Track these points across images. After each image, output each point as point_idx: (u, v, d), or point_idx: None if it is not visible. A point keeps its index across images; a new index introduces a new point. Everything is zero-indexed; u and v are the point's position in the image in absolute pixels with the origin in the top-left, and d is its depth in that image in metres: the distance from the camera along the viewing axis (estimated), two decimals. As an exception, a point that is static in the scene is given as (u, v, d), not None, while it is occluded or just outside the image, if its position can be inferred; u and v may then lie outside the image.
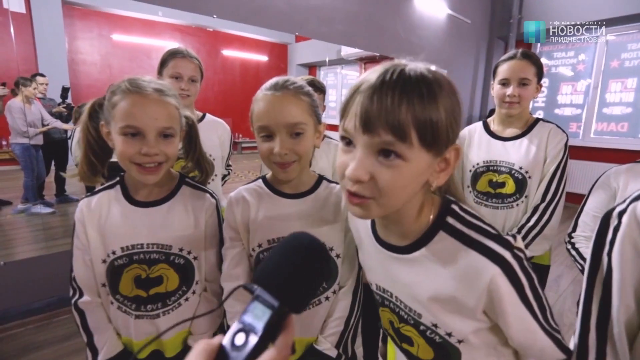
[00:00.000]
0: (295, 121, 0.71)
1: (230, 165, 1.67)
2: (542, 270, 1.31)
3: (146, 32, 5.99)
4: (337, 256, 0.81)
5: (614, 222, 0.53)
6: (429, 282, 0.53)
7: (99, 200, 0.81)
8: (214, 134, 1.48)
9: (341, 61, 6.80)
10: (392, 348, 0.75)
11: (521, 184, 1.23)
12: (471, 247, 0.50)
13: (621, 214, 0.52)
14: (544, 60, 4.68)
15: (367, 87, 0.44)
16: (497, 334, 0.56)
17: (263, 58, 7.62)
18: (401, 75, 0.44)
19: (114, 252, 0.78)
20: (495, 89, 1.28)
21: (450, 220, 0.52)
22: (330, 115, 7.92)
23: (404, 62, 0.46)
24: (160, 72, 1.35)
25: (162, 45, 5.99)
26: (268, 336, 0.33)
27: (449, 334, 0.55)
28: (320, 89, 1.39)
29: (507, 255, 0.48)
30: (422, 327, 0.57)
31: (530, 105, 4.44)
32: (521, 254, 0.49)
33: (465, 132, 1.40)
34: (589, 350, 0.53)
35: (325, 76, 7.87)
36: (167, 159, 0.76)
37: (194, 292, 0.85)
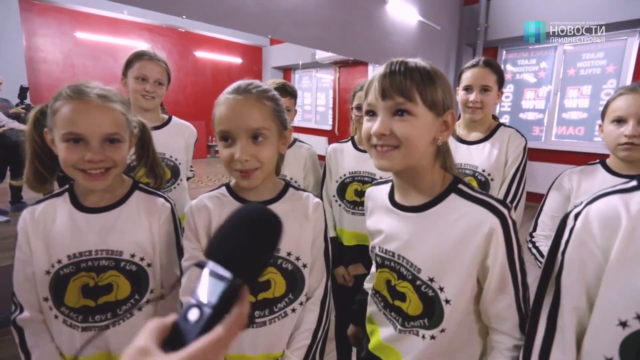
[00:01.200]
0: (256, 126, 0.69)
1: (192, 168, 1.63)
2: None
3: (112, 31, 5.75)
4: (304, 266, 0.79)
5: (570, 223, 0.55)
6: (437, 235, 0.64)
7: (44, 208, 0.77)
8: (181, 137, 1.43)
9: (316, 64, 6.83)
10: (374, 327, 0.81)
11: (484, 186, 1.28)
12: (476, 203, 0.63)
13: (577, 216, 0.55)
14: (509, 67, 4.91)
15: (380, 74, 0.62)
16: (477, 304, 0.66)
17: (237, 60, 7.52)
18: (404, 64, 0.61)
19: (59, 261, 0.74)
20: (460, 94, 1.32)
21: (461, 186, 0.66)
22: (305, 119, 7.93)
23: (400, 58, 0.63)
24: (125, 74, 1.32)
25: (129, 45, 5.77)
26: (223, 308, 0.32)
27: (442, 289, 0.64)
28: (291, 93, 1.38)
29: (505, 212, 0.60)
30: (418, 282, 0.67)
31: (497, 110, 4.55)
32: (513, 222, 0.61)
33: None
34: (536, 337, 0.56)
35: (300, 79, 7.87)
36: (115, 165, 0.74)
37: (148, 301, 0.82)
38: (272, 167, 0.76)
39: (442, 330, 0.66)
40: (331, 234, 1.42)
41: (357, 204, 1.35)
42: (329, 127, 7.14)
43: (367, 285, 0.90)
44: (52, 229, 0.75)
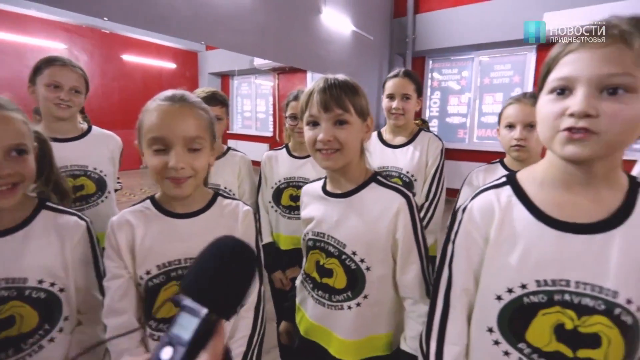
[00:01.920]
0: (194, 134, 0.70)
1: (119, 179, 1.53)
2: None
3: (18, 29, 5.09)
4: None
5: (459, 216, 0.64)
6: (359, 215, 0.78)
7: None
8: (104, 147, 1.34)
9: (255, 71, 6.78)
10: (302, 313, 0.91)
11: (408, 186, 1.39)
12: (389, 189, 0.79)
13: (464, 210, 0.64)
14: (435, 75, 5.37)
15: (320, 89, 0.75)
16: (394, 280, 0.78)
17: (171, 65, 7.16)
18: (337, 80, 0.75)
19: None
20: (384, 102, 1.44)
21: (379, 177, 0.82)
22: (246, 126, 7.80)
23: (331, 75, 0.77)
24: (32, 81, 1.20)
25: (41, 45, 5.18)
26: (197, 345, 0.31)
27: (362, 260, 0.77)
28: (222, 102, 1.36)
29: (410, 195, 0.77)
30: (344, 257, 0.79)
31: (427, 115, 4.89)
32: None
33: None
34: (435, 314, 0.65)
35: (239, 86, 7.74)
36: (23, 179, 0.68)
37: (61, 330, 0.74)
38: (203, 176, 0.76)
39: (365, 297, 0.78)
40: (268, 239, 1.44)
41: (293, 209, 1.39)
42: (269, 134, 7.11)
43: (299, 283, 0.95)
44: None
